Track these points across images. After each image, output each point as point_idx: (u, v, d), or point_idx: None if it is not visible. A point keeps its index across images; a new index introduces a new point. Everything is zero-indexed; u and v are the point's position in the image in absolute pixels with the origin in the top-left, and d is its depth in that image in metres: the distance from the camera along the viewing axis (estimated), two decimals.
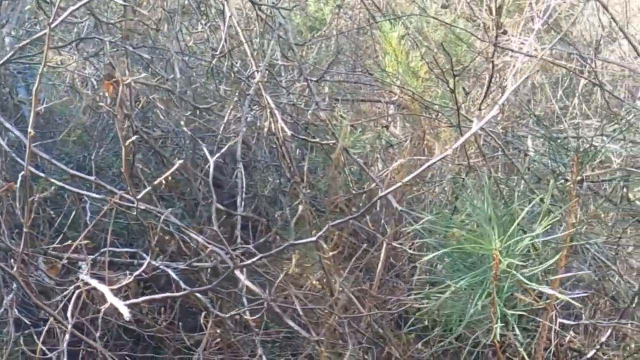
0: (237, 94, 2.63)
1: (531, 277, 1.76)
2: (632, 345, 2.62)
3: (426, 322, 2.39)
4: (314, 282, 2.61)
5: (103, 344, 1.95)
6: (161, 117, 3.09)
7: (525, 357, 1.67)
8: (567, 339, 2.55)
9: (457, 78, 2.33)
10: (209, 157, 2.01)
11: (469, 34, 2.63)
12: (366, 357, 2.66)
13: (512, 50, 2.53)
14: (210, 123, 2.98)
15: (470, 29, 2.90)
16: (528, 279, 1.76)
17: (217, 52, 2.60)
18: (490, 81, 2.22)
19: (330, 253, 1.97)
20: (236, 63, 2.73)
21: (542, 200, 2.44)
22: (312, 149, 2.91)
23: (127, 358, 2.11)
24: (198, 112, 2.87)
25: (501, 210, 1.80)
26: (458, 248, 1.72)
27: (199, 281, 2.18)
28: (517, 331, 1.67)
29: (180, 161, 1.88)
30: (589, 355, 2.55)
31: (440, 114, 2.47)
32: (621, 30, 2.46)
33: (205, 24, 2.82)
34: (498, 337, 1.66)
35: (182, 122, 2.57)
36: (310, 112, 2.51)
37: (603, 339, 2.54)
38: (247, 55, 2.54)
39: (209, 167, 2.41)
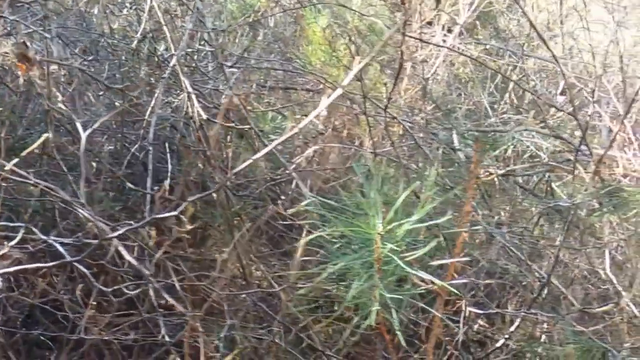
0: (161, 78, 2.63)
1: (422, 263, 1.79)
2: (543, 336, 2.66)
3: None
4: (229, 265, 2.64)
5: None
6: (92, 100, 3.09)
7: (401, 340, 1.69)
8: (476, 327, 2.58)
9: (383, 68, 2.36)
10: (81, 132, 2.02)
11: (390, 22, 2.65)
12: (279, 341, 2.69)
13: (421, 40, 2.56)
14: (139, 107, 2.98)
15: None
16: (422, 265, 1.79)
17: (138, 35, 2.60)
18: (399, 70, 2.23)
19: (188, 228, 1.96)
20: (160, 47, 2.73)
21: (449, 188, 2.49)
22: (243, 136, 2.93)
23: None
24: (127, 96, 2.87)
25: (390, 196, 1.82)
26: (341, 231, 1.73)
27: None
28: (394, 315, 1.69)
29: (46, 135, 1.88)
30: (497, 345, 2.58)
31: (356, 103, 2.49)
32: (534, 28, 2.48)
33: (131, 7, 2.82)
34: (373, 320, 1.67)
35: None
36: (223, 97, 2.51)
37: (512, 329, 2.58)
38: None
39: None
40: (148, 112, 2.59)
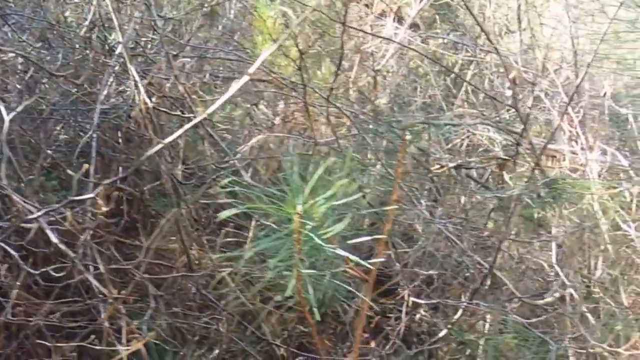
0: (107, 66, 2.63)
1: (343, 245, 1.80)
2: (487, 326, 2.67)
3: None
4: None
5: None
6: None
7: (316, 315, 1.70)
8: (417, 317, 2.59)
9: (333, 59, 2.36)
10: (4, 116, 2.03)
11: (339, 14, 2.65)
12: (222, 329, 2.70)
13: (363, 32, 2.57)
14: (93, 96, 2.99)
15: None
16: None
17: (86, 23, 2.61)
18: (340, 61, 2.25)
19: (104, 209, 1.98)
20: (110, 35, 2.74)
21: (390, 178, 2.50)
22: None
23: None
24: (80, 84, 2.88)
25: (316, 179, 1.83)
26: (262, 209, 1.74)
27: None
28: (311, 294, 1.69)
29: None
30: (440, 335, 2.60)
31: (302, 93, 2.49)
32: (478, 24, 2.49)
33: None
34: (290, 291, 1.67)
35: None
36: (168, 85, 2.52)
37: (454, 319, 2.59)
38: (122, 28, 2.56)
39: None
40: (100, 100, 2.60)
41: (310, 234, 1.71)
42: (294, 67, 2.71)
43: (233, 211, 1.73)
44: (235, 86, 1.83)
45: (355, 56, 2.80)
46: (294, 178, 1.78)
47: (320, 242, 1.70)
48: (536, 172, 2.41)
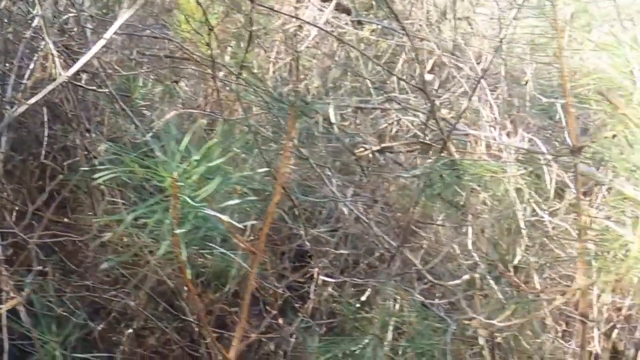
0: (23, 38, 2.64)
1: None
2: (397, 306, 2.69)
3: None
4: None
5: None
6: None
7: (188, 274, 1.71)
8: (326, 294, 2.62)
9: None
10: None
11: None
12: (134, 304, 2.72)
13: (273, 10, 2.59)
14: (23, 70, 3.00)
15: None
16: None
17: None
18: (249, 39, 2.27)
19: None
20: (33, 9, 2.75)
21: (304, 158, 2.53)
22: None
23: None
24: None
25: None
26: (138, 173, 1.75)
27: None
28: (187, 265, 1.71)
29: None
30: (348, 313, 2.62)
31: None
32: (392, 11, 2.51)
33: None
34: (162, 252, 1.68)
35: None
36: (88, 59, 2.53)
37: (363, 298, 2.62)
38: None
39: None
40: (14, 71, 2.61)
41: (184, 196, 1.72)
42: (216, 45, 2.74)
43: (109, 175, 1.74)
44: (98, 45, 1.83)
45: (278, 37, 2.82)
46: (170, 145, 1.80)
47: (192, 202, 1.71)
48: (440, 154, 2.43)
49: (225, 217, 1.75)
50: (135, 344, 2.90)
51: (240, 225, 1.76)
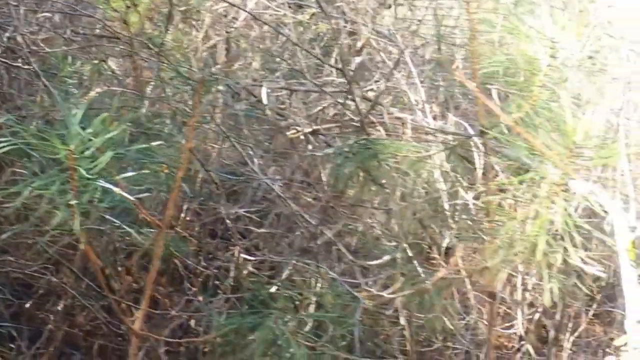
0: None
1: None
2: (318, 286, 2.74)
3: None
4: None
5: None
6: None
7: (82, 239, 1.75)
8: (246, 273, 2.66)
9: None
10: None
11: None
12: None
13: None
14: None
15: None
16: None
17: None
18: (169, 17, 2.29)
19: None
20: None
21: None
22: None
23: None
24: None
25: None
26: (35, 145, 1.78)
27: None
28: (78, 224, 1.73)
29: None
30: (271, 290, 2.66)
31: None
32: None
33: None
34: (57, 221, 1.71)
35: None
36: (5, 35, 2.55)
37: (283, 277, 2.66)
38: None
39: None
40: None
41: (80, 168, 1.75)
42: (146, 24, 2.76)
43: (6, 146, 1.77)
44: None
45: (207, 17, 2.84)
46: (70, 119, 1.83)
47: (86, 174, 1.73)
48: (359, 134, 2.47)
49: (117, 190, 1.79)
50: (64, 321, 2.92)
51: (132, 198, 1.80)
